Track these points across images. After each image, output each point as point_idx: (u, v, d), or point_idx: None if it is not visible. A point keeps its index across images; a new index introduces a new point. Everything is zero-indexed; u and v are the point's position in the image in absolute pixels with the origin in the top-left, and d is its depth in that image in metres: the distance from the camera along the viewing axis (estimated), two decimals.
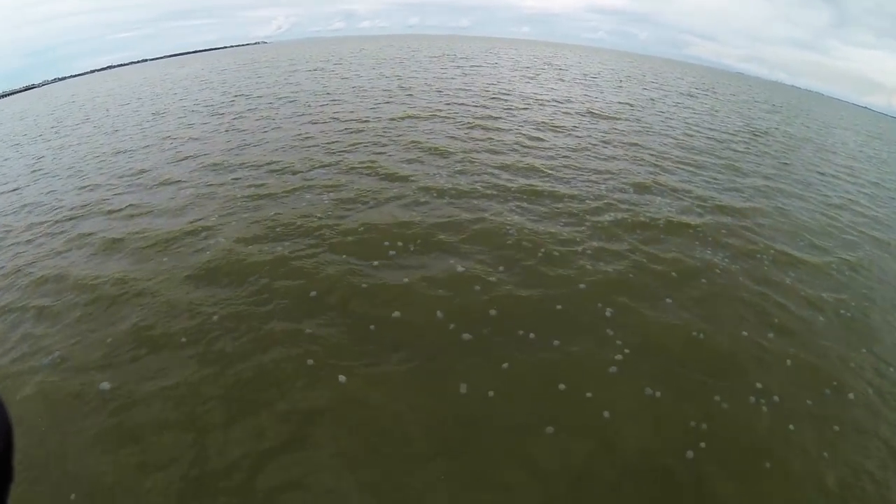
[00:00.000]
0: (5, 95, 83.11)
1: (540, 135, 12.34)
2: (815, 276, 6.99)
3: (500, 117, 14.07)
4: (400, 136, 11.61)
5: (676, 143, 13.31)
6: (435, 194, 8.22)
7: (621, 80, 32.59)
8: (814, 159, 15.30)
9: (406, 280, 5.76)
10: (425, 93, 18.39)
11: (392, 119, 13.42)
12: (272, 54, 66.16)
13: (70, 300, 5.84)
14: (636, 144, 12.42)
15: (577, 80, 28.60)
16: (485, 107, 15.61)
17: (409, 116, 13.64)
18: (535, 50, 79.18)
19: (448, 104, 15.78)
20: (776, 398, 4.52)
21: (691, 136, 14.69)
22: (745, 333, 5.34)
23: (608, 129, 13.98)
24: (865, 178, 14.26)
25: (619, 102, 20.21)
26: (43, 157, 14.27)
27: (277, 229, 7.08)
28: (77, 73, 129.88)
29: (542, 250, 6.51)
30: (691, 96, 29.14)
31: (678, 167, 11.02)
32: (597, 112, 16.59)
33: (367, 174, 9.20)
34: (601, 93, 23.11)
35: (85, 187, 10.39)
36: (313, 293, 5.54)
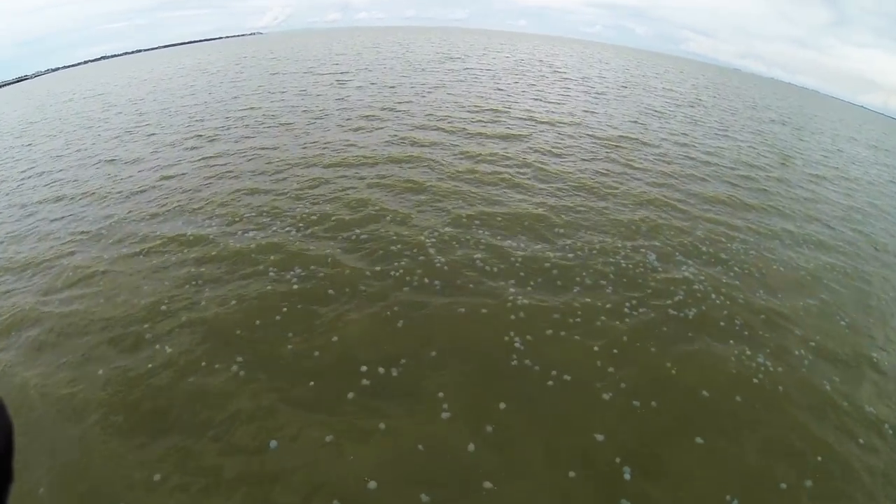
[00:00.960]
0: None
1: (545, 186, 10.48)
2: None
3: (497, 156, 11.97)
4: (368, 192, 9.70)
5: (701, 190, 11.52)
6: (406, 314, 6.45)
7: (625, 86, 31.09)
8: (838, 195, 13.95)
9: None
10: (413, 112, 16.50)
11: (366, 162, 11.35)
12: (265, 48, 64.48)
13: None
14: (657, 197, 10.64)
15: (581, 87, 27.03)
16: (480, 135, 13.75)
17: (388, 160, 11.45)
18: (532, 45, 77.47)
19: (436, 129, 14.04)
20: None
21: (716, 171, 13.14)
22: None
23: (624, 168, 12.15)
24: None
25: (631, 121, 18.58)
26: None
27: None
28: (71, 63, 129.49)
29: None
30: (700, 106, 27.74)
31: (707, 236, 9.53)
32: (609, 139, 14.79)
33: (315, 283, 7.07)
34: (607, 105, 21.48)
35: None
36: None
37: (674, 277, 7.90)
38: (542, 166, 11.49)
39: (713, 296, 7.57)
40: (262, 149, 12.69)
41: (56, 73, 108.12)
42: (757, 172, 13.75)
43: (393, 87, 22.19)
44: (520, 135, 14.01)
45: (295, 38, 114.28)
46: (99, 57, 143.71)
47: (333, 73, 27.88)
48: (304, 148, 12.48)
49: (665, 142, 15.45)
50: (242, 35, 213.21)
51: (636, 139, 15.28)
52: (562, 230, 8.75)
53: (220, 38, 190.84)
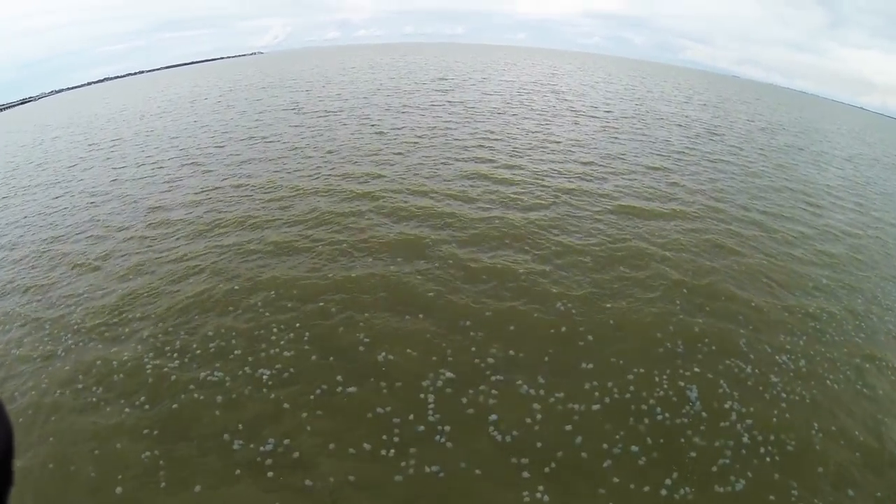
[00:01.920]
0: (2, 109, 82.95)
1: (570, 313, 8.20)
2: None
3: (507, 270, 9.29)
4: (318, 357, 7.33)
5: (742, 294, 9.36)
6: None
7: (636, 115, 29.42)
8: (881, 257, 12.37)
9: None
10: (403, 180, 14.06)
11: (336, 284, 8.83)
12: (260, 73, 63.80)
13: None
14: (698, 323, 8.45)
15: (592, 124, 25.01)
16: (483, 224, 11.09)
17: (365, 279, 8.96)
18: (532, 62, 76.41)
19: (429, 215, 11.50)
20: None
21: (756, 250, 11.32)
22: None
23: (661, 265, 9.96)
24: None
25: (652, 168, 16.93)
26: None
27: None
28: (73, 85, 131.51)
29: None
30: (715, 135, 26.23)
31: (760, 362, 7.82)
32: (637, 214, 12.51)
33: None
34: (623, 147, 19.76)
35: None
36: None
37: (720, 426, 6.51)
38: (563, 286, 9.09)
39: (762, 450, 6.23)
40: (227, 257, 10.16)
41: (59, 94, 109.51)
42: (796, 249, 11.85)
43: (383, 132, 20.45)
44: (534, 222, 11.44)
45: (293, 58, 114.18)
46: (102, 78, 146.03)
47: (322, 113, 26.41)
48: (278, 255, 10.06)
49: (695, 203, 13.69)
50: (242, 55, 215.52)
51: (660, 207, 13.21)
52: (592, 378, 7.03)
53: (221, 58, 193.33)
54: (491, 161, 15.85)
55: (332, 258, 9.60)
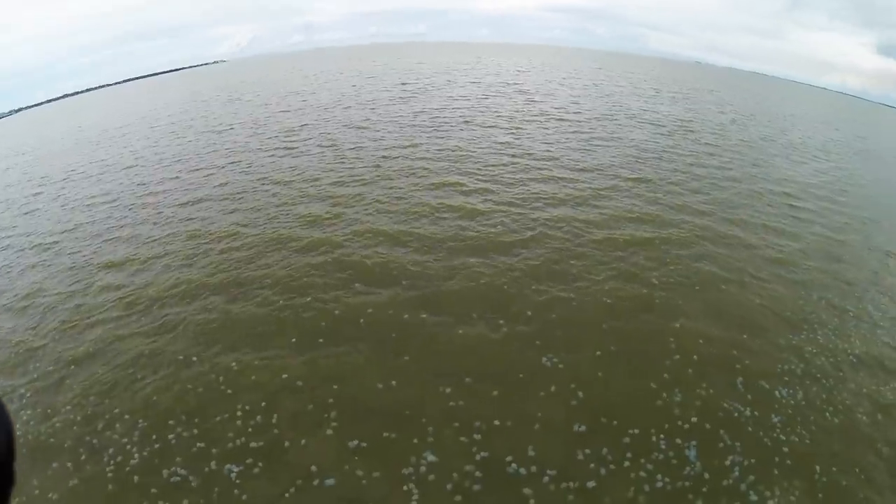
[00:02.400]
0: None
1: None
2: None
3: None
4: None
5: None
6: None
7: (606, 115, 29.08)
8: None
9: None
10: (354, 223, 12.56)
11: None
12: (221, 85, 61.80)
13: None
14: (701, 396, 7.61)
15: (563, 128, 24.43)
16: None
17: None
18: (497, 61, 75.19)
19: (376, 284, 9.90)
20: None
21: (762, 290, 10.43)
22: None
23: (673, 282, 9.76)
24: None
25: (633, 179, 16.28)
26: None
27: None
28: (32, 103, 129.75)
29: None
30: (689, 132, 26.26)
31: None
32: (630, 236, 11.82)
33: None
34: (597, 157, 18.97)
35: None
36: None
37: (722, 485, 6.15)
38: (548, 343, 8.30)
39: None
40: (183, 332, 8.98)
41: (17, 114, 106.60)
42: (786, 268, 11.29)
43: (344, 156, 19.21)
44: (514, 268, 10.43)
45: (255, 67, 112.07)
46: (61, 95, 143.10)
47: (283, 132, 25.40)
48: (234, 329, 8.93)
49: (681, 224, 12.97)
50: (205, 64, 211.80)
51: (647, 232, 12.33)
52: (585, 443, 6.53)
53: (182, 68, 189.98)
54: (460, 187, 14.82)
55: (295, 330, 8.68)
